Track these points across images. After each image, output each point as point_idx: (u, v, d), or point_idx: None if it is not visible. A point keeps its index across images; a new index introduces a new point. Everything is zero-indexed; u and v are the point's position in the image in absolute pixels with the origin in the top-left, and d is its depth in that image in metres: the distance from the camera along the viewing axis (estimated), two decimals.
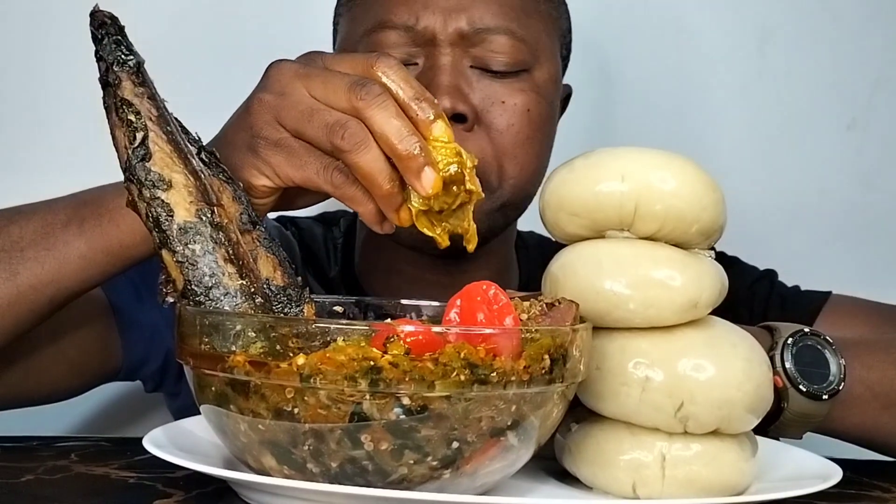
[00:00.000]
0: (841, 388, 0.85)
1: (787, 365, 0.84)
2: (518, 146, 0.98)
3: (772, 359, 0.84)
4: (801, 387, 0.84)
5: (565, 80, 1.09)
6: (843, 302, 1.07)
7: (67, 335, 0.92)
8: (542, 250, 1.12)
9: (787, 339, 0.85)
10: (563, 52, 1.06)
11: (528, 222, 1.09)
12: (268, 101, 0.76)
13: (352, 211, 1.10)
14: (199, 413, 0.72)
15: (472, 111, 0.95)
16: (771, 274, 1.14)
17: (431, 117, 0.73)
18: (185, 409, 0.85)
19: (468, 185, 0.74)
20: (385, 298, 0.85)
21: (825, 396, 0.85)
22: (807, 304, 1.07)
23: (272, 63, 0.78)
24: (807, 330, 0.86)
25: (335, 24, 1.07)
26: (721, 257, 0.77)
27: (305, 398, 0.64)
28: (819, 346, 0.86)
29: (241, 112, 0.78)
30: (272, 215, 1.10)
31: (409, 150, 0.71)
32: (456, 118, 0.94)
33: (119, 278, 0.88)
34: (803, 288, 1.12)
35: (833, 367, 0.85)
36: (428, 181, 0.72)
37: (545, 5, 1.03)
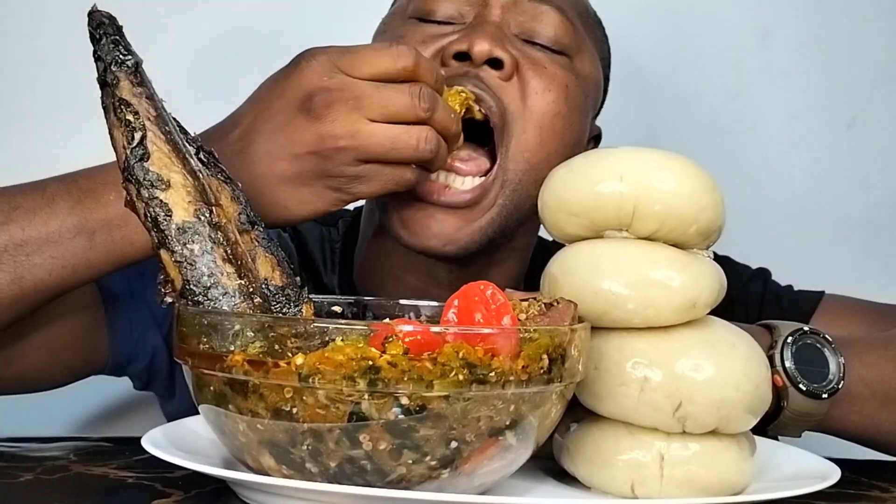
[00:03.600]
0: (840, 386, 0.85)
1: (787, 364, 0.84)
2: (549, 116, 0.95)
3: (771, 357, 0.84)
4: (800, 385, 0.84)
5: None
6: (837, 301, 1.07)
7: (52, 322, 0.91)
8: (541, 252, 1.11)
9: (786, 338, 0.85)
10: (603, 76, 1.05)
11: None
12: (343, 145, 0.80)
13: (350, 212, 1.10)
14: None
15: (511, 61, 0.93)
16: (764, 273, 1.13)
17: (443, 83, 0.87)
18: (179, 415, 0.84)
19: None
20: (383, 298, 0.85)
21: (825, 395, 0.85)
22: (802, 304, 1.06)
23: (313, 97, 0.81)
24: (806, 328, 0.86)
25: None
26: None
27: (304, 398, 0.64)
28: (818, 345, 0.86)
29: (302, 153, 0.81)
30: None
31: (458, 130, 0.87)
32: (492, 63, 0.93)
33: (113, 276, 0.88)
34: (798, 288, 1.11)
35: (832, 366, 0.85)
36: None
37: (593, 20, 1.04)
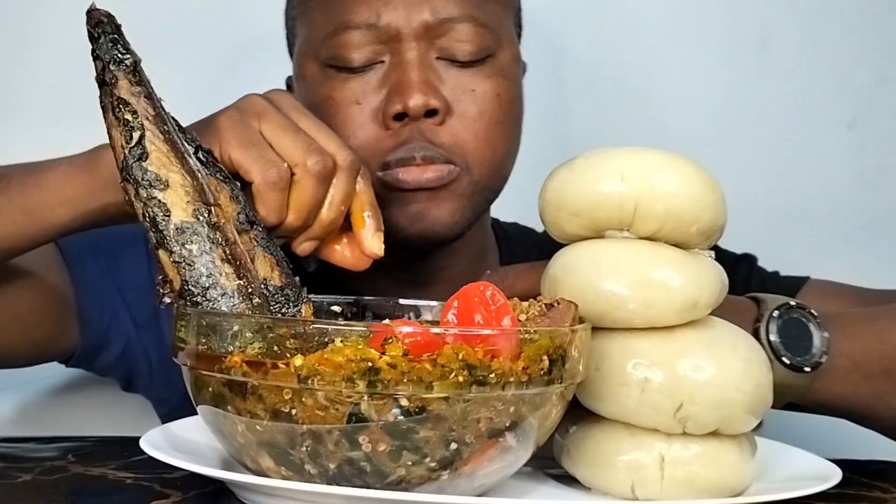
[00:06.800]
0: (823, 360, 0.85)
1: (772, 337, 0.84)
2: (491, 131, 0.97)
3: (757, 330, 0.84)
4: (783, 359, 0.84)
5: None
6: (821, 285, 1.08)
7: (18, 291, 0.91)
8: (523, 240, 1.13)
9: (773, 312, 0.85)
10: (518, 30, 1.06)
11: (517, 216, 1.09)
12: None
13: None
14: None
15: (443, 104, 0.95)
16: (749, 258, 1.14)
17: None
18: (171, 416, 0.84)
19: None
20: (383, 299, 0.85)
21: (807, 369, 0.84)
22: (786, 288, 1.06)
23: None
24: (793, 303, 0.86)
25: (289, 26, 1.05)
26: None
27: (303, 399, 0.64)
28: (804, 319, 0.86)
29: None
30: None
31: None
32: (428, 113, 0.94)
33: (86, 258, 0.90)
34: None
35: (816, 341, 0.85)
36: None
37: None
